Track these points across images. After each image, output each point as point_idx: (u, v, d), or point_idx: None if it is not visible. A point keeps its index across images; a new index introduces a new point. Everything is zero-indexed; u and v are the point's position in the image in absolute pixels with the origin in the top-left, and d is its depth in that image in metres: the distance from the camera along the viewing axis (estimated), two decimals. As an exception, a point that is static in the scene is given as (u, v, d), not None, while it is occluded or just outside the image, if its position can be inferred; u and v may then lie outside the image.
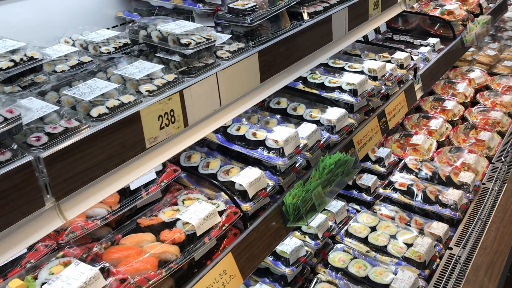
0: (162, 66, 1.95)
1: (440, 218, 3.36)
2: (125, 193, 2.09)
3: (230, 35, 2.28)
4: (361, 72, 3.25)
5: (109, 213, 2.00)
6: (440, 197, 3.37)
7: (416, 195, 3.44)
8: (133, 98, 1.75)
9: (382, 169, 3.79)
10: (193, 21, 2.50)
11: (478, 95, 5.05)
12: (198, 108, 1.94)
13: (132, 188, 2.12)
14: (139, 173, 1.75)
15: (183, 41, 1.97)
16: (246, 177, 2.27)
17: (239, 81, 2.14)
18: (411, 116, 4.64)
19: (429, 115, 4.62)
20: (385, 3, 3.28)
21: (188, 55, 1.98)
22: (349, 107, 3.03)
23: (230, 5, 2.31)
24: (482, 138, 4.17)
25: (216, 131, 2.63)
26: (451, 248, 3.05)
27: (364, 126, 3.05)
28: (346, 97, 2.99)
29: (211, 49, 2.08)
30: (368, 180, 3.69)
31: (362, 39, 4.51)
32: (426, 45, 4.37)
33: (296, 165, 2.52)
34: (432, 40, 4.41)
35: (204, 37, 2.04)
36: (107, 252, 1.92)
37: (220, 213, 2.12)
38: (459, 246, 3.04)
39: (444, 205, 3.33)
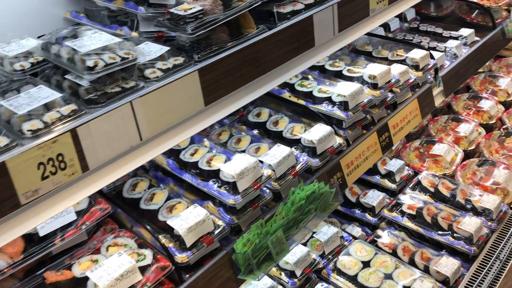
0: (61, 94, 1.58)
1: (454, 249, 2.85)
2: (34, 240, 1.77)
3: (169, 47, 1.88)
4: (360, 78, 2.74)
5: (8, 266, 1.69)
6: (454, 226, 2.84)
7: (426, 221, 2.93)
8: (6, 142, 1.40)
9: (392, 185, 3.29)
10: (137, 26, 2.12)
11: (523, 92, 4.36)
12: (104, 147, 1.56)
13: (45, 232, 1.79)
14: (11, 236, 1.41)
15: (89, 62, 1.59)
16: (186, 220, 1.89)
17: (171, 108, 1.74)
18: (437, 118, 4.05)
19: (460, 117, 4.01)
20: (394, -6, 2.74)
21: (95, 80, 1.60)
22: (339, 122, 2.56)
23: (172, 10, 1.90)
24: (518, 149, 3.55)
25: (167, 155, 2.25)
26: (458, 293, 2.56)
27: (358, 144, 2.57)
28: (335, 110, 2.51)
29: (131, 69, 1.69)
30: (373, 198, 3.20)
31: (382, 30, 3.95)
32: (456, 38, 3.75)
33: (259, 201, 2.11)
34: (464, 32, 3.78)
35: (120, 56, 1.65)
36: (-1, 316, 1.61)
37: (145, 268, 1.76)
38: (469, 291, 2.54)
39: (458, 237, 2.81)
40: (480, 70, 4.73)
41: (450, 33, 3.83)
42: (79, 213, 1.88)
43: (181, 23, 1.85)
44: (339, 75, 2.84)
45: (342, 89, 2.52)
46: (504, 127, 3.97)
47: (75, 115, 1.51)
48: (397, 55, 3.16)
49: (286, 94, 2.74)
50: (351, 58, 3.15)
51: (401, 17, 4.18)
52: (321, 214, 2.21)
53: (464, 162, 3.50)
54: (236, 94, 2.01)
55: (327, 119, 2.55)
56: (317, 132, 2.38)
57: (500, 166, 3.39)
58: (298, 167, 2.26)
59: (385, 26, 3.96)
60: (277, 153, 2.23)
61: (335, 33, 2.40)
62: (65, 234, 1.81)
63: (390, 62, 3.11)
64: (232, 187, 1.99)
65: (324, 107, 2.55)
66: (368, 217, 3.16)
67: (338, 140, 2.44)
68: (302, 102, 2.66)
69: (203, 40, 1.92)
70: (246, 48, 1.97)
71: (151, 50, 1.86)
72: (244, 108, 2.89)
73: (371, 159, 2.66)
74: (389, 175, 3.33)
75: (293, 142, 2.45)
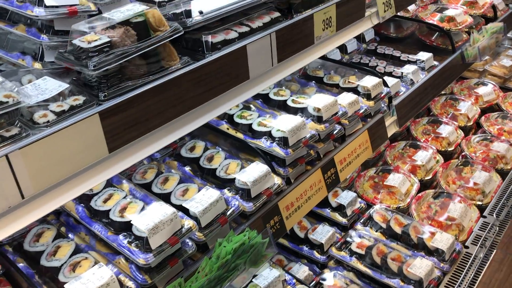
0: None
1: (404, 293, 2.66)
2: None
3: (68, 85, 1.63)
4: (305, 110, 2.54)
5: None
6: (404, 269, 2.66)
7: (375, 262, 2.73)
8: None
9: (343, 220, 3.09)
10: (42, 55, 1.85)
11: (483, 117, 4.22)
12: (-29, 210, 1.30)
13: None
14: None
15: (-45, 108, 1.33)
16: (86, 284, 1.63)
17: (64, 158, 1.49)
18: (395, 144, 3.88)
19: (418, 143, 3.85)
20: (343, 20, 2.55)
21: (-37, 129, 1.34)
22: (280, 159, 2.34)
23: (75, 41, 1.65)
24: (476, 181, 3.39)
25: (78, 201, 1.99)
26: None
27: (299, 184, 2.36)
28: (274, 147, 2.29)
29: (13, 114, 1.44)
30: (322, 234, 2.99)
31: (341, 53, 3.77)
32: (414, 62, 3.59)
33: (179, 256, 1.87)
34: (422, 56, 3.63)
35: (-2, 99, 1.39)
36: None
37: None
38: None
39: (408, 280, 2.62)
40: (442, 91, 4.60)
41: (408, 56, 3.67)
42: (-41, 276, 1.60)
43: (83, 57, 1.60)
44: (283, 106, 2.63)
45: (281, 124, 2.31)
46: (462, 154, 3.83)
47: None
48: (349, 82, 2.97)
49: (224, 126, 2.51)
50: (300, 84, 2.94)
51: (360, 37, 4.01)
52: (251, 268, 1.98)
53: (420, 194, 3.33)
54: (152, 136, 1.77)
55: (267, 155, 2.33)
56: (252, 173, 2.15)
57: (456, 199, 3.22)
58: (228, 213, 2.03)
59: (342, 47, 3.78)
60: (204, 198, 2.00)
61: (273, 63, 2.19)
62: None
63: (341, 89, 2.93)
64: (144, 243, 1.74)
65: (263, 143, 2.33)
66: (316, 255, 2.95)
67: (276, 181, 2.22)
68: (240, 135, 2.44)
69: (112, 76, 1.67)
70: (164, 84, 1.74)
71: (48, 87, 1.61)
72: (180, 139, 2.65)
73: (315, 198, 2.45)
74: (340, 208, 3.13)
75: (227, 182, 2.22)
